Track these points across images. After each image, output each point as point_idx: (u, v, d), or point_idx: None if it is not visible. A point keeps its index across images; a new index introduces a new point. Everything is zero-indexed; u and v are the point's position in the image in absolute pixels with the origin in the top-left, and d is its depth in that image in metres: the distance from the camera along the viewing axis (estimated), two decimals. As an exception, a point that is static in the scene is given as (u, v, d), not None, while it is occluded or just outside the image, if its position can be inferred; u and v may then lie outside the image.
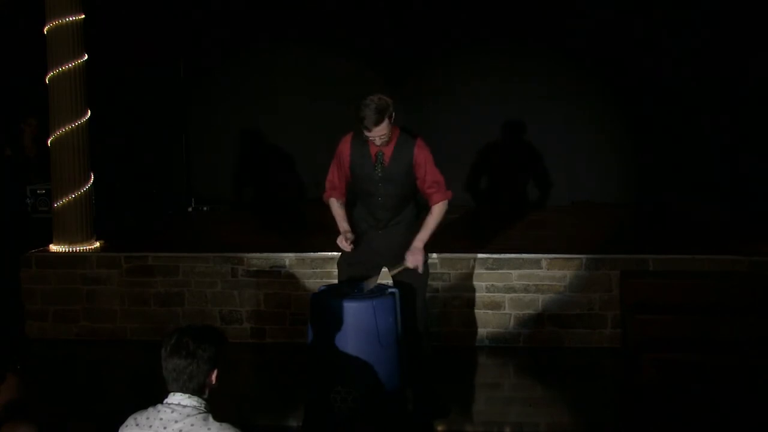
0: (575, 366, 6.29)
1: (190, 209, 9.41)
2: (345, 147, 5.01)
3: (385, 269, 5.17)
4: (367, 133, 4.78)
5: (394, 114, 4.78)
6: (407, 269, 4.98)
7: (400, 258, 4.96)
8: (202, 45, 9.49)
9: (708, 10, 8.68)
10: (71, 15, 6.94)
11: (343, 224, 5.03)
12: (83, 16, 7.03)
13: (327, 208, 5.16)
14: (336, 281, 5.26)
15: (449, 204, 5.03)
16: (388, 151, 4.90)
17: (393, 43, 9.19)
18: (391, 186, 4.95)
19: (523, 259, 6.61)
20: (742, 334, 5.85)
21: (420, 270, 4.94)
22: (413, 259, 4.92)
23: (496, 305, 6.60)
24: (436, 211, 4.97)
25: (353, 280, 5.01)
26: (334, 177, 5.08)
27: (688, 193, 8.80)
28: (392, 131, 4.86)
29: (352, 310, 4.55)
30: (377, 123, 4.71)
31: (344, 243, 4.95)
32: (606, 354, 6.44)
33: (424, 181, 4.95)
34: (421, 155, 4.91)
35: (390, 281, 5.13)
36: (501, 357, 6.51)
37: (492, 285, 6.60)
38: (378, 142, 4.81)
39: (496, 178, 9.35)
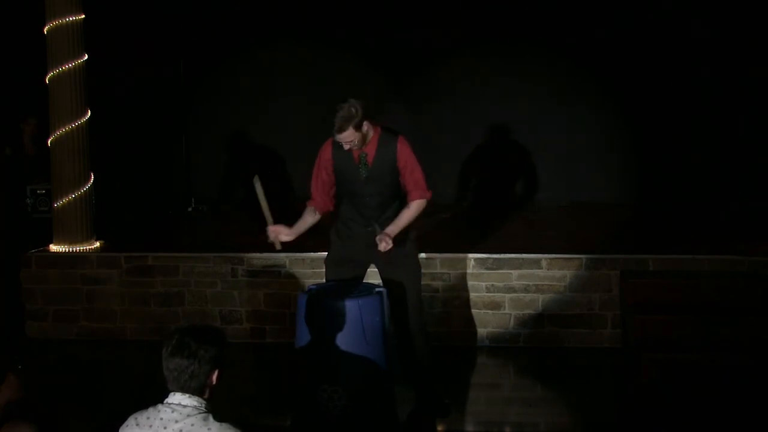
0: (575, 366, 6.30)
1: (190, 209, 9.39)
2: (326, 151, 5.03)
3: (373, 268, 5.18)
4: (336, 137, 4.82)
5: (364, 122, 4.77)
6: (395, 269, 5.01)
7: (390, 255, 4.95)
8: (202, 45, 9.49)
9: (709, 11, 8.68)
10: (71, 15, 6.95)
11: (294, 228, 5.14)
12: (83, 16, 7.04)
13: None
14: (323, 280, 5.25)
15: (428, 203, 5.05)
16: (371, 152, 4.92)
17: (394, 43, 9.18)
18: (377, 185, 4.97)
19: (523, 259, 6.61)
20: (742, 334, 5.85)
21: (383, 249, 4.88)
22: (383, 243, 4.87)
23: (496, 305, 6.61)
24: (413, 207, 5.00)
25: (343, 280, 5.01)
26: (316, 185, 5.10)
27: (688, 194, 8.80)
28: (372, 131, 4.87)
29: (338, 309, 4.57)
30: (340, 131, 4.75)
31: (273, 235, 5.10)
32: (606, 354, 6.44)
33: (405, 178, 4.99)
34: (404, 153, 4.94)
35: (380, 281, 5.12)
36: (501, 357, 6.51)
37: (492, 285, 6.60)
38: (346, 147, 4.84)
39: (495, 177, 9.35)
